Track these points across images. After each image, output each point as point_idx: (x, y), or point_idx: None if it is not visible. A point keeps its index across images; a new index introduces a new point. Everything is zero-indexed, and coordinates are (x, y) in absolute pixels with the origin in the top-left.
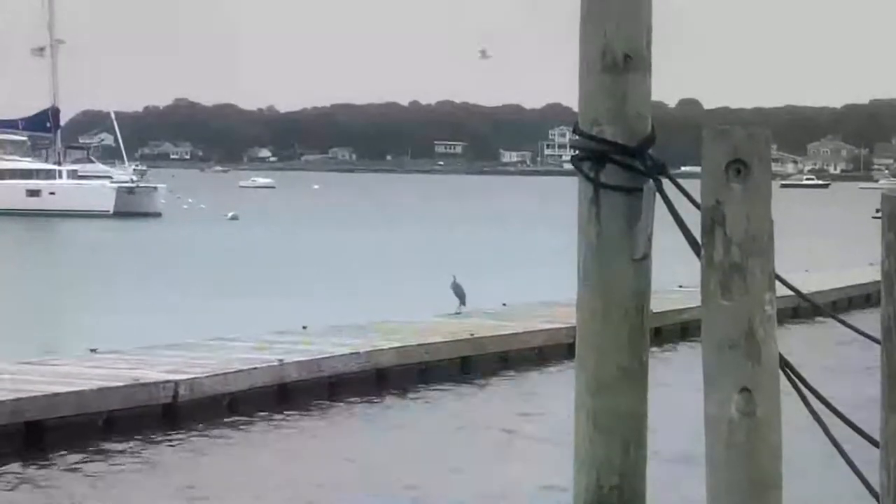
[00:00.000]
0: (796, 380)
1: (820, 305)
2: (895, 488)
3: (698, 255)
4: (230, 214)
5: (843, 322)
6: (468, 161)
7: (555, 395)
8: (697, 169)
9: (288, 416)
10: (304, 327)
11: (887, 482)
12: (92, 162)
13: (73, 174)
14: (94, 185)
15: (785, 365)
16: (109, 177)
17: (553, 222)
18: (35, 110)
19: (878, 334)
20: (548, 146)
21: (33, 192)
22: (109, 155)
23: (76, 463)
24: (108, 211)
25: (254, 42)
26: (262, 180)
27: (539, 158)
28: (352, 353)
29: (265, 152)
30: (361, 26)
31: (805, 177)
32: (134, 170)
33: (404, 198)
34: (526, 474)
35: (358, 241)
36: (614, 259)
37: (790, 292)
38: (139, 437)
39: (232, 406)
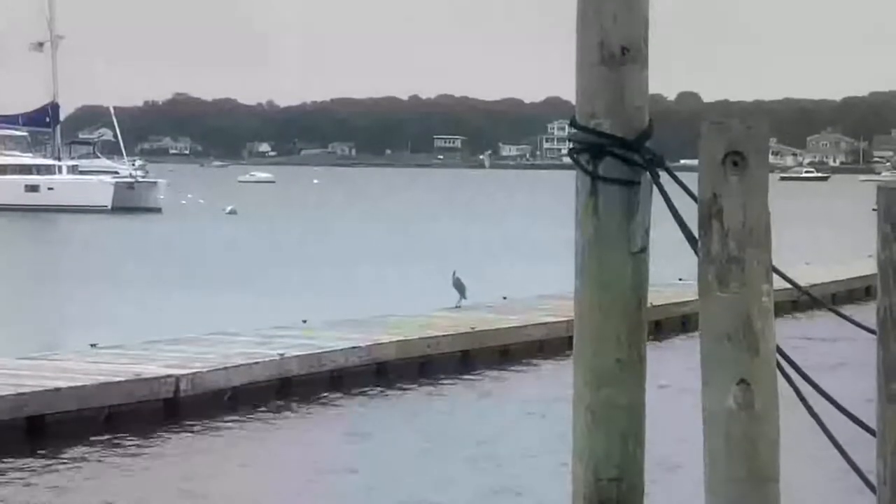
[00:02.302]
0: (788, 366)
1: (817, 298)
2: (892, 478)
3: (694, 248)
4: (228, 209)
5: (840, 314)
6: (467, 155)
7: (555, 388)
8: (696, 162)
9: (289, 410)
10: (305, 321)
11: (884, 472)
12: (98, 157)
13: (73, 169)
14: (92, 181)
15: (778, 353)
16: (116, 171)
17: (552, 216)
18: (34, 106)
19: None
20: (547, 140)
21: (32, 188)
22: (109, 150)
23: (77, 458)
24: (106, 206)
25: (253, 36)
26: (261, 175)
27: (538, 152)
28: (353, 347)
29: (265, 147)
30: (360, 20)
31: (804, 169)
32: (134, 165)
33: (404, 192)
34: (525, 467)
35: (358, 234)
36: (612, 252)
37: (789, 285)
38: (140, 431)
39: (233, 400)
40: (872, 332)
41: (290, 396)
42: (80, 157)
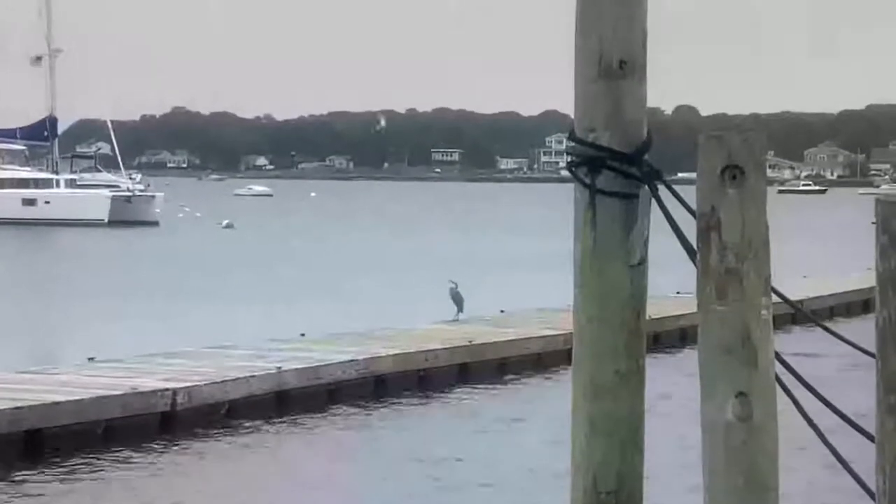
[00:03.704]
0: (786, 376)
1: (809, 315)
2: (891, 489)
3: (694, 261)
4: (225, 223)
5: (834, 333)
6: (465, 168)
7: (553, 400)
8: (694, 175)
9: (286, 423)
10: (303, 335)
11: (883, 483)
12: (99, 171)
13: (71, 183)
14: (88, 194)
15: (778, 361)
16: (117, 185)
17: (550, 229)
18: (32, 120)
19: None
20: (545, 153)
21: (29, 202)
22: (106, 164)
23: (75, 471)
24: (103, 220)
25: (251, 50)
26: (258, 188)
27: (536, 165)
28: (350, 361)
29: (262, 160)
30: (357, 34)
31: (802, 182)
32: (135, 179)
33: (402, 205)
34: (524, 479)
35: (355, 248)
36: (610, 264)
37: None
38: (137, 445)
39: (230, 414)
40: (866, 352)
41: (288, 410)
42: (82, 171)
